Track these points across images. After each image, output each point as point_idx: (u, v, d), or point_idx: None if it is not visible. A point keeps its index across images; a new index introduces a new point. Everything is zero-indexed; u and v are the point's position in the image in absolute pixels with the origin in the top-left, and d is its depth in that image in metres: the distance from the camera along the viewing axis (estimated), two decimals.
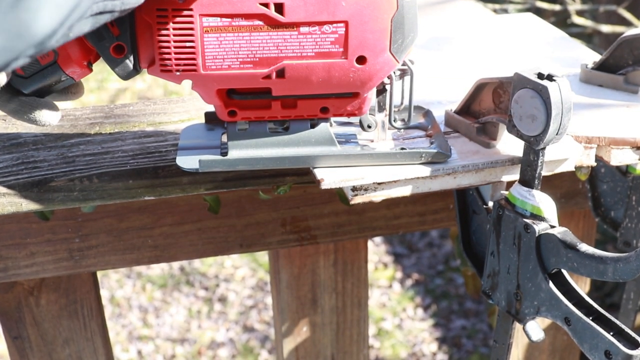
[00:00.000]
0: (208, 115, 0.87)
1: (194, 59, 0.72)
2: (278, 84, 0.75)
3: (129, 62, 0.73)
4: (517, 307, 0.84)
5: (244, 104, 0.78)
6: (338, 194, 1.04)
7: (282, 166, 0.81)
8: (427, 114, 0.90)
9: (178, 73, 0.73)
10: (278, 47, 0.72)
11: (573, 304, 0.77)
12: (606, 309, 0.77)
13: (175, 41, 0.71)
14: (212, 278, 3.16)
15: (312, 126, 0.81)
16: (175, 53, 0.72)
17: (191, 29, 0.71)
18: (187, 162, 0.81)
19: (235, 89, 0.77)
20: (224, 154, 0.81)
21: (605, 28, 2.39)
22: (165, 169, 0.86)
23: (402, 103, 0.83)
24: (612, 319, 0.75)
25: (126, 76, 0.74)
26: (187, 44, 0.71)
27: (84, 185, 0.84)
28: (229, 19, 0.71)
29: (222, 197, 1.01)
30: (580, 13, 2.62)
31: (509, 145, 0.85)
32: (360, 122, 0.84)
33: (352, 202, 0.81)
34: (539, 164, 0.78)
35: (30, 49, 0.46)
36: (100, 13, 0.58)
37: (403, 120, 0.84)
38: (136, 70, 0.74)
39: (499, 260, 0.85)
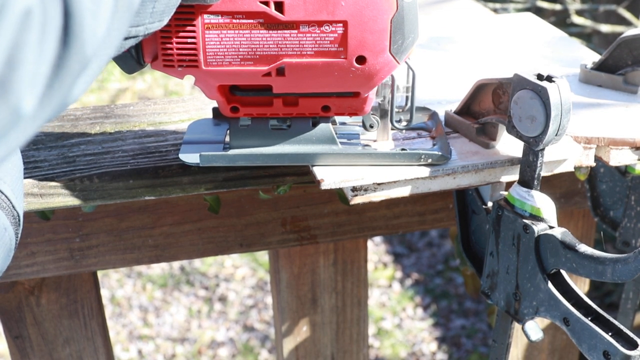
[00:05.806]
0: (215, 110, 0.87)
1: (195, 55, 0.73)
2: (278, 82, 0.75)
3: (133, 56, 0.74)
4: (516, 307, 0.84)
5: (246, 100, 0.79)
6: (338, 194, 1.04)
7: (281, 163, 0.81)
8: (433, 115, 0.90)
9: (180, 68, 0.74)
10: (278, 45, 0.72)
11: (572, 304, 0.77)
12: (605, 308, 0.77)
13: (177, 37, 0.72)
14: (212, 278, 3.16)
15: (314, 124, 0.81)
16: (177, 49, 0.72)
17: (193, 25, 0.71)
18: (189, 156, 0.82)
19: (237, 86, 0.78)
20: (227, 149, 0.82)
21: (605, 28, 2.39)
22: (166, 169, 0.86)
23: (406, 104, 0.83)
24: (611, 319, 0.75)
25: (130, 70, 0.74)
26: (189, 40, 0.72)
27: (85, 185, 0.84)
28: (230, 17, 0.71)
29: (222, 196, 1.01)
30: (579, 12, 2.62)
31: (508, 145, 0.85)
32: (363, 121, 0.84)
33: (352, 203, 0.81)
34: (538, 164, 0.78)
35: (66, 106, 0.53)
36: (125, 39, 0.59)
37: (406, 120, 0.84)
38: (140, 65, 0.74)
39: (498, 261, 0.85)
